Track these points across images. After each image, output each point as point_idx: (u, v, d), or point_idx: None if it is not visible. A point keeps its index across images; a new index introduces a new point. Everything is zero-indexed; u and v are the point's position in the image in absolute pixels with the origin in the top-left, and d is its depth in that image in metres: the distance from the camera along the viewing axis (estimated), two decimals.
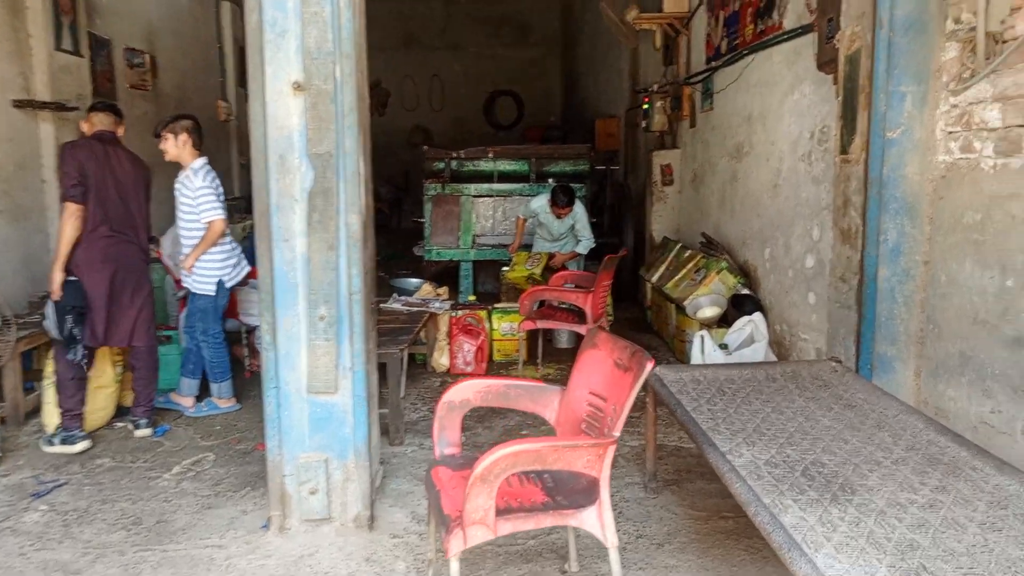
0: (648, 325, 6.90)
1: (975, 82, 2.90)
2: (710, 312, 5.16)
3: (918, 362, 3.31)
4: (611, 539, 2.38)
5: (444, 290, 6.19)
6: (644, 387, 2.50)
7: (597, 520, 2.38)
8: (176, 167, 4.68)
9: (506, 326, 5.84)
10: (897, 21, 3.22)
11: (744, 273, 5.50)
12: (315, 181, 3.03)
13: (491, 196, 7.82)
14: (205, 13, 8.67)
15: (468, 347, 5.57)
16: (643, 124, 8.09)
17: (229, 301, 4.87)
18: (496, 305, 6.05)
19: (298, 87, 2.98)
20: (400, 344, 4.32)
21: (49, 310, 4.14)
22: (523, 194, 7.66)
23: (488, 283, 8.31)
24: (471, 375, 5.56)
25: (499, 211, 7.86)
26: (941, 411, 3.15)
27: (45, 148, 5.58)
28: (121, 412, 4.62)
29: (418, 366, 5.70)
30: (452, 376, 5.55)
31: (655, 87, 7.77)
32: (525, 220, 6.87)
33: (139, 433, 4.40)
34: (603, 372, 2.59)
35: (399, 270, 9.62)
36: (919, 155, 3.26)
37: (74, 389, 4.13)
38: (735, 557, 2.99)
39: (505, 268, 6.83)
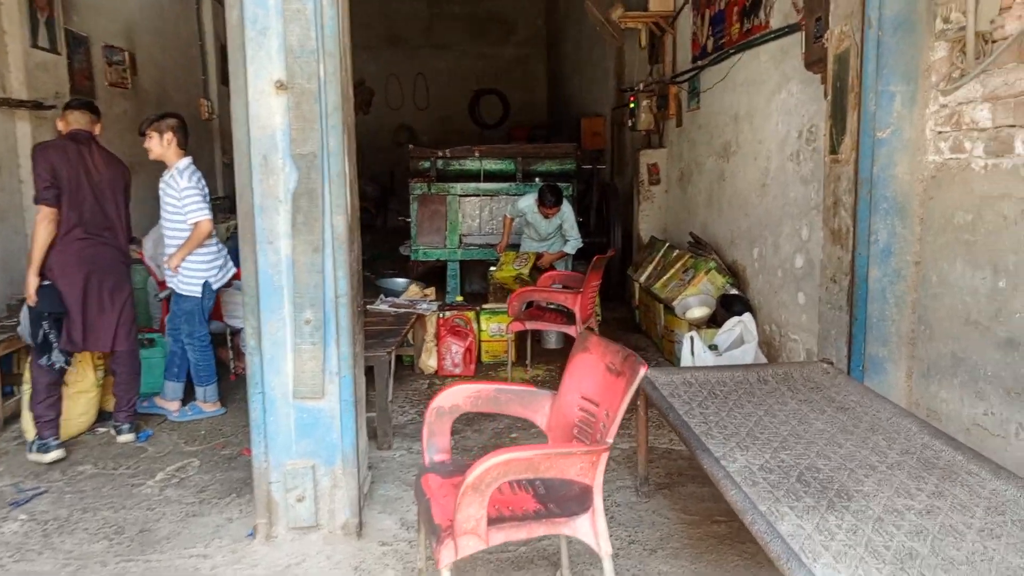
0: (636, 325, 6.88)
1: (965, 82, 2.89)
2: (699, 312, 5.14)
3: (909, 363, 3.30)
4: (605, 547, 2.34)
5: (431, 291, 6.13)
6: (635, 390, 2.47)
7: (590, 528, 2.34)
8: (159, 166, 4.60)
9: (494, 327, 5.79)
10: (886, 20, 3.21)
11: (732, 273, 5.49)
12: (299, 182, 2.97)
13: (477, 195, 7.78)
14: (186, 10, 8.55)
15: (456, 348, 5.52)
16: (629, 123, 8.07)
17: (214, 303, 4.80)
18: (484, 306, 6.00)
19: (281, 86, 2.92)
20: (387, 347, 4.26)
21: (23, 315, 4.04)
22: (510, 193, 7.61)
23: (475, 283, 8.27)
24: (459, 377, 5.51)
25: (486, 210, 7.81)
26: (933, 413, 3.14)
27: (22, 148, 5.46)
28: (103, 417, 4.53)
29: (405, 368, 5.65)
30: (440, 378, 5.50)
31: (641, 86, 7.75)
32: (512, 219, 6.83)
33: (122, 439, 4.32)
34: (595, 376, 2.55)
35: (385, 270, 9.55)
36: (909, 155, 3.25)
37: (48, 396, 4.01)
38: (728, 563, 2.96)
39: (492, 268, 6.79)
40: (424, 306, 5.52)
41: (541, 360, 5.94)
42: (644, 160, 7.65)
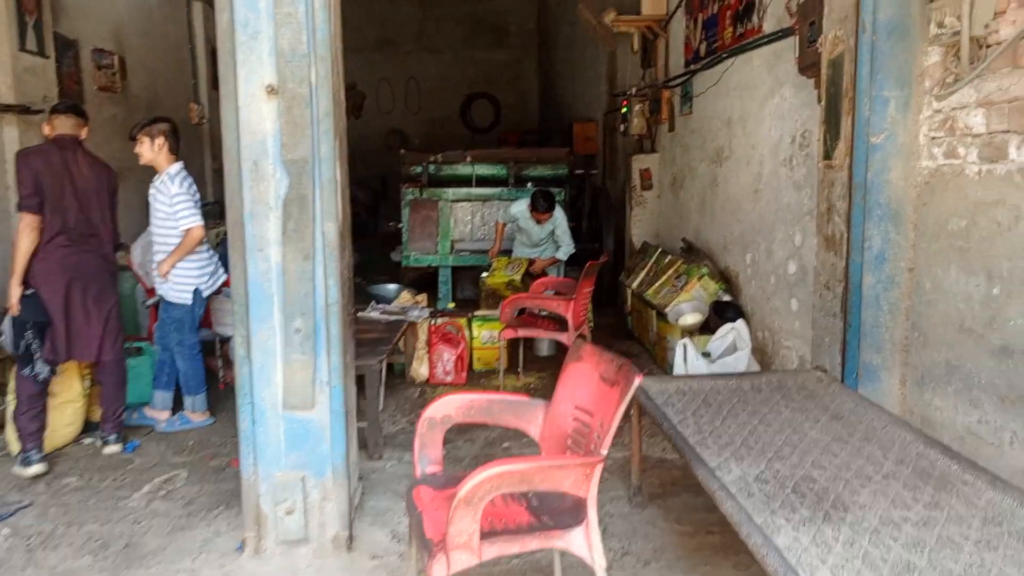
0: (628, 331, 6.85)
1: (960, 87, 2.88)
2: (692, 319, 5.12)
3: (903, 370, 3.28)
4: (599, 561, 2.30)
5: (423, 297, 6.09)
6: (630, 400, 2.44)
7: (584, 541, 2.31)
8: (148, 171, 4.55)
9: (486, 334, 5.75)
10: (880, 25, 3.19)
11: (725, 279, 5.47)
12: (290, 188, 2.93)
13: (469, 201, 7.74)
14: (176, 13, 8.50)
15: (448, 356, 5.48)
16: (621, 128, 8.06)
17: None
18: (476, 313, 5.96)
19: (272, 90, 2.88)
20: (379, 355, 4.22)
21: (6, 325, 3.98)
22: (502, 198, 7.58)
23: (467, 289, 8.23)
24: (451, 384, 5.47)
25: (478, 216, 7.78)
26: (927, 420, 3.12)
27: (9, 153, 5.38)
28: (89, 427, 4.47)
29: (396, 376, 5.60)
30: (432, 386, 5.46)
31: (633, 90, 7.73)
32: (504, 225, 6.80)
33: (108, 450, 4.26)
34: (589, 386, 2.51)
35: (377, 276, 9.49)
36: (903, 160, 3.24)
37: (30, 408, 3.93)
38: (723, 574, 2.93)
39: (484, 274, 6.75)
40: (415, 313, 5.48)
41: (533, 367, 5.91)
42: (636, 165, 7.64)
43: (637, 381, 2.22)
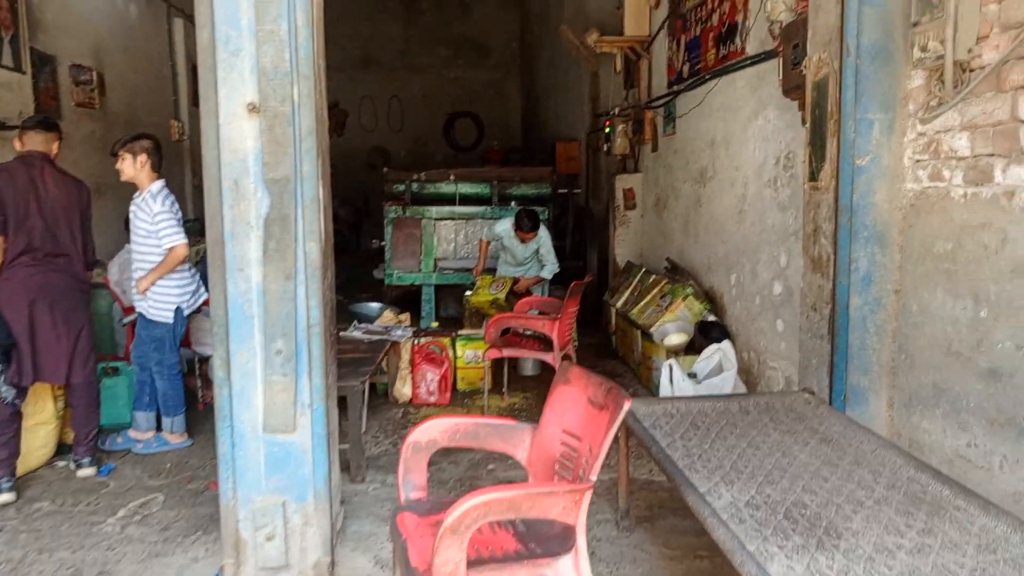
0: (613, 351, 6.83)
1: (944, 110, 2.89)
2: (677, 339, 5.10)
3: (891, 393, 3.27)
4: None
5: (406, 316, 6.03)
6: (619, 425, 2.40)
7: (573, 569, 2.25)
8: (126, 188, 4.47)
9: (470, 353, 5.70)
10: (864, 48, 3.21)
11: (710, 299, 5.47)
12: (271, 207, 2.88)
13: (453, 219, 7.72)
14: (157, 29, 8.44)
15: (431, 376, 5.42)
16: (605, 148, 8.08)
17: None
18: (460, 332, 5.91)
19: (253, 108, 2.83)
20: (361, 376, 4.15)
21: None
22: (485, 217, 7.56)
23: (451, 307, 8.18)
24: (434, 405, 5.41)
25: (461, 234, 7.75)
26: (915, 443, 3.10)
27: None
28: (63, 450, 4.36)
29: (379, 396, 5.52)
30: (415, 407, 5.39)
31: (616, 110, 7.77)
32: (488, 243, 6.77)
33: (82, 473, 4.14)
34: (577, 410, 2.47)
35: (359, 294, 9.41)
36: (887, 183, 3.25)
37: (2, 434, 3.80)
38: None
39: (468, 292, 6.71)
40: (399, 332, 5.42)
41: (518, 387, 5.86)
42: (620, 185, 7.65)
43: (627, 406, 2.19)
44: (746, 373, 4.73)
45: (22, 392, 3.92)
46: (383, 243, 7.76)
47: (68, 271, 4.06)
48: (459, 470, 4.20)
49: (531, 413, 5.27)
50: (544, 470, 2.52)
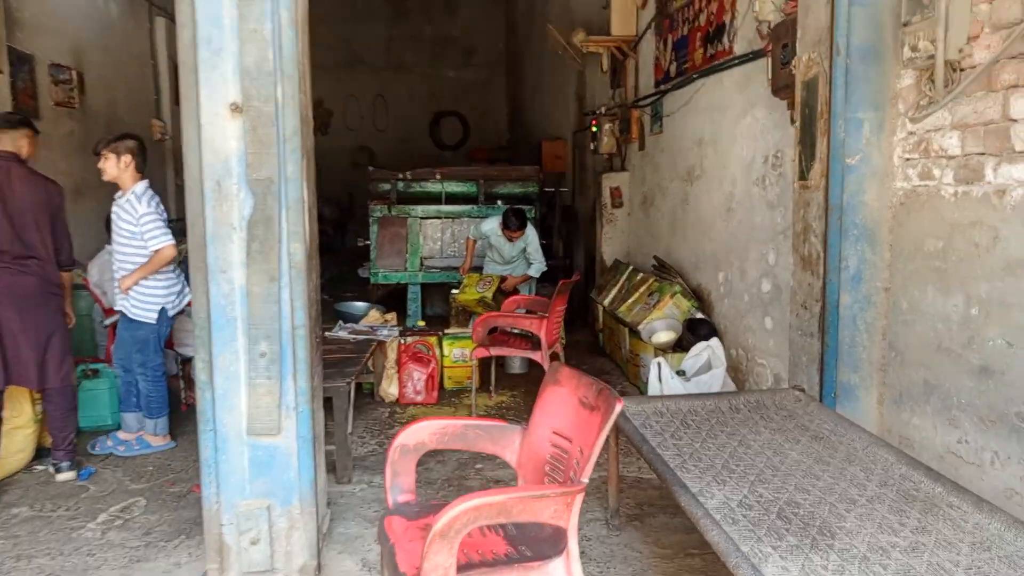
0: (600, 349, 6.81)
1: (936, 109, 2.89)
2: (665, 337, 5.09)
3: (881, 390, 3.27)
4: None
5: (392, 316, 5.98)
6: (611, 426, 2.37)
7: (565, 572, 2.22)
8: (106, 188, 4.38)
9: (457, 352, 5.66)
10: (854, 48, 3.21)
11: (697, 297, 5.46)
12: (255, 209, 2.82)
13: (439, 218, 7.68)
14: (138, 28, 8.33)
15: (418, 375, 5.37)
16: (591, 146, 8.06)
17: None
18: (447, 331, 5.87)
19: (236, 109, 2.78)
20: (347, 376, 4.10)
21: None
22: (472, 216, 7.53)
23: (437, 306, 8.14)
24: (421, 404, 5.36)
25: (447, 233, 7.71)
26: (906, 440, 3.10)
27: None
28: (42, 454, 4.27)
29: (365, 396, 5.47)
30: (401, 406, 5.34)
31: (603, 109, 7.75)
32: (475, 241, 6.73)
33: (61, 477, 4.06)
34: (567, 411, 2.44)
35: (344, 293, 9.35)
36: (877, 181, 3.24)
37: None
38: None
39: (455, 291, 6.67)
40: (385, 332, 5.37)
41: (505, 386, 5.82)
42: (607, 183, 7.64)
43: (618, 407, 2.15)
44: (734, 370, 4.72)
45: None
46: (368, 242, 7.71)
47: (38, 274, 3.94)
48: (447, 470, 4.16)
49: (519, 411, 5.24)
50: (534, 472, 2.49)
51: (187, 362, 5.14)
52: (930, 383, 2.97)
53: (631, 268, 6.62)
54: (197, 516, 3.32)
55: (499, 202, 7.59)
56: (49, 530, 3.51)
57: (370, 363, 5.08)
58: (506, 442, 2.62)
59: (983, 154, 2.72)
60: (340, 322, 5.62)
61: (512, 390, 5.75)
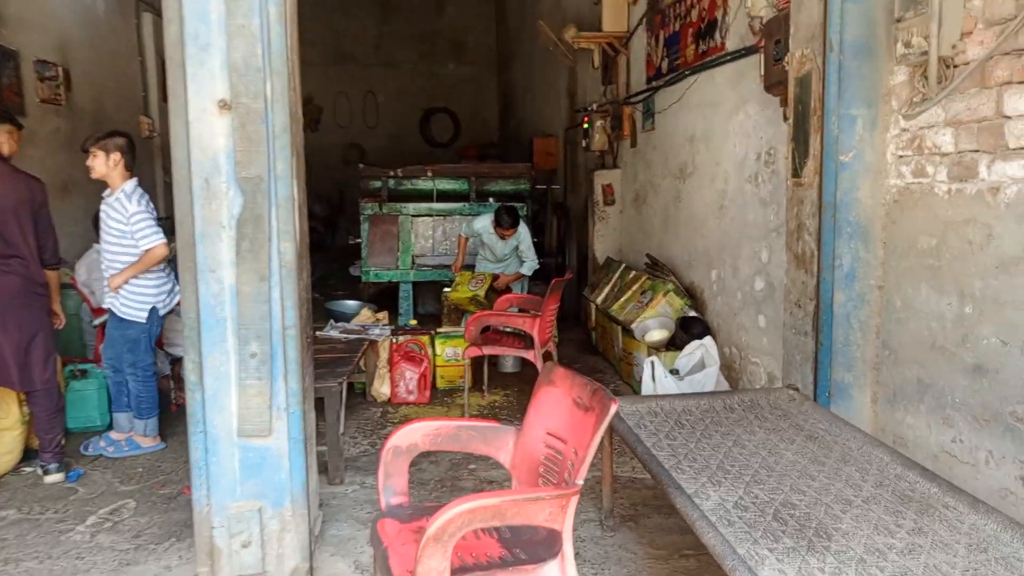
0: (593, 347, 6.80)
1: (929, 106, 2.87)
2: (658, 335, 5.07)
3: (874, 389, 3.26)
4: None
5: (383, 315, 5.95)
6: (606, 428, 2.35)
7: (560, 575, 2.20)
8: (94, 187, 4.33)
9: (450, 351, 5.63)
10: (847, 44, 3.19)
11: (690, 295, 5.45)
12: (244, 207, 2.79)
13: (430, 216, 7.63)
14: (125, 24, 8.24)
15: (410, 375, 5.34)
16: (583, 143, 8.04)
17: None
18: (439, 330, 5.84)
19: (224, 105, 2.74)
20: (339, 377, 4.07)
21: None
22: (463, 213, 7.49)
23: (429, 304, 8.10)
24: (414, 404, 5.33)
25: (439, 231, 7.67)
26: (900, 439, 3.09)
27: None
28: (30, 455, 4.22)
29: (357, 395, 5.44)
30: (393, 406, 5.31)
31: (594, 106, 7.72)
32: (467, 239, 6.70)
33: (49, 479, 4.02)
34: (561, 412, 2.42)
35: (335, 291, 9.30)
36: (871, 179, 3.23)
37: None
38: None
39: (447, 289, 6.64)
40: (376, 331, 5.33)
41: (498, 385, 5.80)
42: (599, 181, 7.61)
43: (613, 408, 2.13)
44: (728, 369, 4.71)
45: None
46: (359, 240, 7.66)
47: (21, 273, 3.87)
48: (440, 470, 4.14)
49: (512, 411, 5.22)
50: (528, 473, 2.47)
51: (177, 362, 5.09)
52: (924, 382, 2.97)
53: (623, 266, 6.60)
54: (187, 518, 3.28)
55: (491, 200, 7.56)
56: (37, 533, 3.46)
57: (362, 363, 5.05)
58: (500, 443, 2.59)
59: (977, 151, 2.71)
60: (331, 321, 5.58)
61: (505, 389, 5.72)
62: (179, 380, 5.09)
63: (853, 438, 2.80)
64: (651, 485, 3.80)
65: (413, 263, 7.57)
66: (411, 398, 5.36)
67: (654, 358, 4.35)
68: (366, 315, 5.89)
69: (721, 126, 4.95)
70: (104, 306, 4.45)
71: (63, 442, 4.15)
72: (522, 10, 12.46)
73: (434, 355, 5.61)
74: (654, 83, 6.26)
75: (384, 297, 7.99)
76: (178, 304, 4.46)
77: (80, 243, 5.84)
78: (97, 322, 4.97)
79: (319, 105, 14.08)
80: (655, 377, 4.26)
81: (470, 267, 6.69)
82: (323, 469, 3.88)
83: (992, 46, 2.61)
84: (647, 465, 2.68)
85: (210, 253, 2.81)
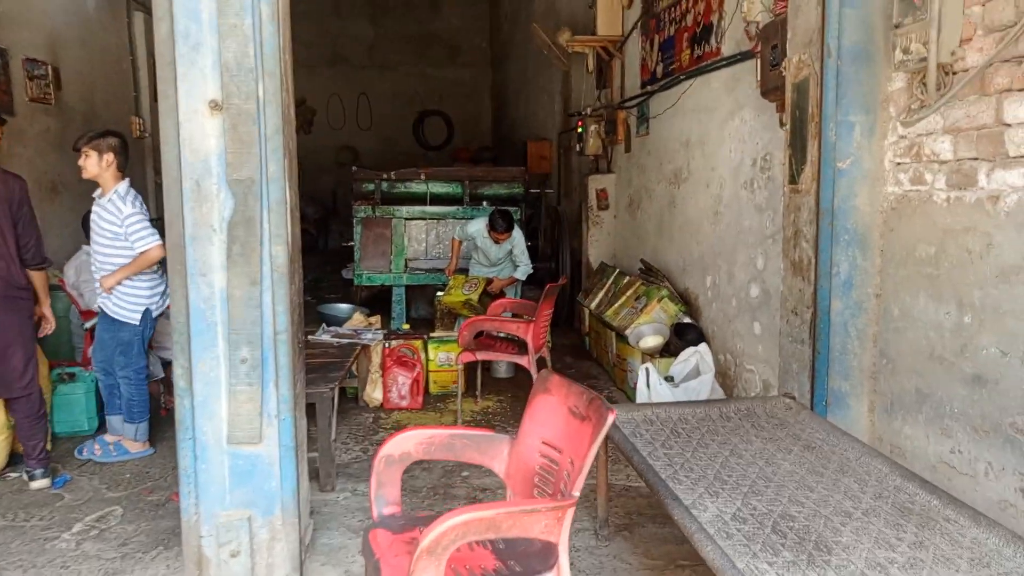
0: (587, 352, 6.76)
1: (928, 113, 2.85)
2: (653, 341, 5.04)
3: (872, 398, 3.24)
4: None
5: (376, 319, 5.90)
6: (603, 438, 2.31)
7: None
8: (84, 187, 4.26)
9: (443, 356, 5.59)
10: (844, 50, 3.17)
11: (684, 301, 5.42)
12: (235, 210, 2.74)
13: (424, 219, 7.60)
14: (116, 22, 8.16)
15: (403, 380, 5.29)
16: (577, 148, 8.01)
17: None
18: (432, 335, 5.80)
19: (215, 106, 2.69)
20: (331, 382, 4.01)
21: None
22: (457, 217, 7.46)
23: (422, 308, 8.06)
24: (407, 409, 5.28)
25: (432, 234, 7.63)
26: (897, 449, 3.07)
27: None
28: (16, 460, 4.15)
29: (349, 400, 5.39)
30: (386, 411, 5.26)
31: (588, 110, 7.70)
32: (461, 242, 6.66)
33: (35, 485, 3.95)
34: (557, 421, 2.38)
35: (327, 294, 9.25)
36: (868, 186, 3.21)
37: None
38: None
39: (440, 293, 6.59)
40: (369, 336, 5.28)
41: (491, 390, 5.76)
42: (593, 185, 7.59)
43: (611, 419, 2.10)
44: (722, 376, 4.69)
45: None
46: (352, 243, 7.62)
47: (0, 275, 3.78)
48: (433, 477, 4.09)
49: (505, 417, 5.17)
50: (523, 484, 2.43)
51: (167, 365, 5.03)
52: (922, 391, 2.94)
53: (617, 271, 6.57)
54: (176, 526, 3.23)
55: (484, 203, 7.53)
56: (22, 541, 3.40)
57: (354, 367, 5.00)
58: (494, 452, 2.55)
59: (976, 159, 2.69)
60: (324, 325, 5.53)
61: (498, 395, 5.68)
62: (169, 384, 5.02)
63: (851, 448, 2.77)
64: (646, 493, 3.77)
65: (406, 267, 7.53)
66: (404, 403, 5.30)
67: (649, 365, 4.32)
68: (359, 319, 5.83)
69: (716, 131, 4.93)
70: (96, 307, 4.39)
71: (48, 448, 4.09)
72: (516, 13, 12.44)
73: (427, 360, 5.56)
74: (649, 88, 6.24)
75: (377, 301, 7.94)
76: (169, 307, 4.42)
77: (69, 245, 5.77)
78: (87, 325, 4.90)
79: (312, 107, 14.00)
80: (650, 384, 4.23)
81: (464, 271, 6.65)
82: (314, 476, 3.83)
83: (992, 53, 2.59)
84: (643, 475, 2.65)
85: (200, 256, 2.76)
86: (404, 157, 12.90)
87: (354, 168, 8.12)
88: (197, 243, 2.76)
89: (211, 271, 2.77)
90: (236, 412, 2.83)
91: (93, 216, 4.20)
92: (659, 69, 6.01)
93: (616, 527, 3.46)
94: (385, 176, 7.63)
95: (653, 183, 6.27)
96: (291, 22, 2.94)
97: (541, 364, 5.00)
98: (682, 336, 4.91)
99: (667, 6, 5.80)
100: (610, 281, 6.48)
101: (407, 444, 2.49)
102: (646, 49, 6.35)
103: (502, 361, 5.93)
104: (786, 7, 3.58)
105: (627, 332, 5.33)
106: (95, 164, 4.09)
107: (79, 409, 4.74)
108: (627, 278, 6.21)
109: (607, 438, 3.15)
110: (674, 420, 3.14)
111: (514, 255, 6.32)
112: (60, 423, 4.67)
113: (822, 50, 3.21)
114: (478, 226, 6.28)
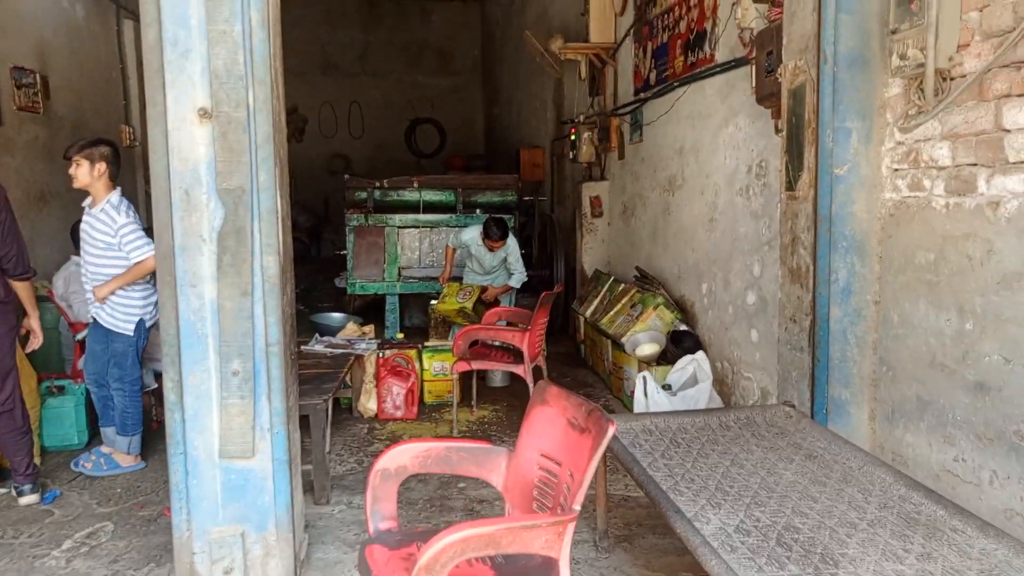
0: (582, 360, 6.72)
1: (927, 119, 2.83)
2: (649, 349, 5.01)
3: (872, 406, 3.21)
4: None
5: (370, 328, 5.85)
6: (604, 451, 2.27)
7: None
8: (73, 196, 4.19)
9: (438, 365, 5.54)
10: (840, 56, 3.15)
11: (680, 308, 5.39)
12: (226, 219, 2.70)
13: (417, 227, 7.55)
14: (105, 31, 8.11)
15: (397, 390, 5.24)
16: (570, 155, 7.99)
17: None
18: (426, 344, 5.75)
19: (205, 114, 2.65)
20: (324, 393, 3.96)
21: None
22: (450, 225, 7.41)
23: (416, 317, 8.01)
24: (401, 420, 5.23)
25: (425, 242, 7.59)
26: (899, 457, 3.04)
27: None
28: (5, 475, 4.07)
29: (343, 411, 5.33)
30: (380, 422, 5.20)
31: (581, 118, 7.68)
32: (455, 250, 6.62)
33: (24, 501, 3.87)
34: (555, 433, 2.34)
35: (320, 303, 9.18)
36: (866, 192, 3.18)
37: None
38: None
39: (434, 301, 6.55)
40: (363, 346, 5.23)
41: (487, 400, 5.71)
42: (586, 193, 7.56)
43: (611, 431, 2.06)
44: (720, 384, 4.65)
45: None
46: (345, 251, 7.56)
47: None
48: (429, 489, 4.03)
49: (502, 427, 5.12)
50: (522, 497, 2.38)
51: (159, 377, 4.96)
52: (923, 399, 2.91)
53: (612, 279, 6.54)
54: (168, 542, 3.17)
55: (478, 211, 7.49)
56: (11, 558, 3.33)
57: (348, 378, 4.95)
58: (492, 465, 2.51)
59: (975, 165, 2.66)
60: (317, 335, 5.48)
61: (494, 404, 5.63)
62: (159, 396, 4.96)
63: (853, 457, 2.74)
64: (645, 504, 3.72)
65: (399, 275, 7.48)
66: (398, 414, 5.25)
67: (646, 373, 4.28)
68: (352, 328, 5.78)
69: (711, 138, 4.91)
70: (88, 318, 4.32)
71: (38, 462, 4.01)
72: (508, 20, 12.43)
73: (422, 369, 5.51)
74: (642, 95, 6.22)
75: (370, 310, 7.89)
76: None
77: (58, 255, 5.70)
78: (78, 337, 4.83)
79: (304, 115, 13.94)
80: (647, 393, 4.19)
81: (458, 279, 6.61)
82: (308, 489, 3.77)
83: (990, 58, 2.57)
84: (644, 487, 2.60)
85: (190, 267, 2.71)
86: (396, 165, 12.86)
87: (346, 176, 8.07)
88: (187, 253, 2.71)
89: (201, 282, 2.72)
90: (228, 426, 2.78)
91: (84, 226, 4.13)
92: (652, 76, 5.99)
93: (616, 538, 3.41)
94: (378, 184, 7.59)
95: (647, 190, 6.25)
96: (282, 29, 2.90)
97: (537, 373, 4.96)
98: (679, 344, 4.88)
99: (660, 13, 5.79)
100: (605, 289, 6.44)
101: (403, 458, 2.44)
102: (639, 56, 6.34)
103: (498, 370, 5.89)
104: (781, 13, 3.56)
105: (623, 340, 5.29)
106: (87, 173, 4.03)
107: (69, 423, 4.67)
108: (622, 285, 6.18)
109: (607, 449, 3.11)
110: (673, 430, 3.10)
111: (509, 263, 6.28)
112: (50, 437, 4.59)
113: (818, 56, 3.18)
114: (472, 234, 6.25)
